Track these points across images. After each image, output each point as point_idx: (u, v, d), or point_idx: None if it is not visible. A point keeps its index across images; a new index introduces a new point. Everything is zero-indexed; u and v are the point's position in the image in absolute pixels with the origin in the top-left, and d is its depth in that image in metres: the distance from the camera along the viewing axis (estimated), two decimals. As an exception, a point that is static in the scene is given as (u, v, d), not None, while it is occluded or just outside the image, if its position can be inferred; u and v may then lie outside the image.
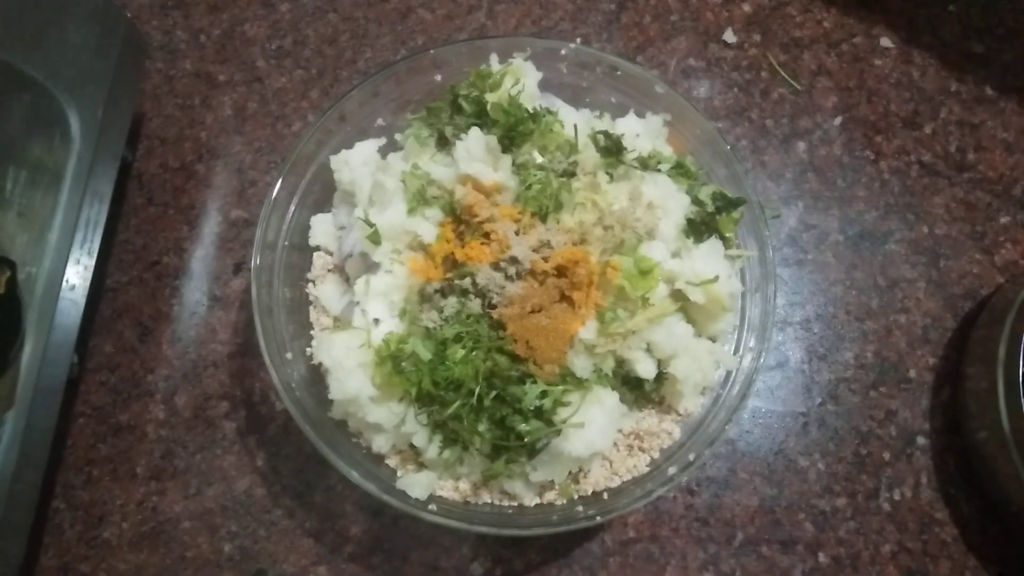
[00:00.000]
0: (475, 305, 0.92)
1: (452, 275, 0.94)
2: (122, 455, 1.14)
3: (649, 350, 0.96)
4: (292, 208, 1.08)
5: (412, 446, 0.97)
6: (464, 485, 0.98)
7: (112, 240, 1.24)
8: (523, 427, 0.88)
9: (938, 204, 1.28)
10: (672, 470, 0.96)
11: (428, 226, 0.96)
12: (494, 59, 1.07)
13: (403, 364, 0.90)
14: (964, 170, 1.30)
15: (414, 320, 0.94)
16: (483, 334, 0.91)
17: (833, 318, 1.22)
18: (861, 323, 1.21)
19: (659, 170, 1.04)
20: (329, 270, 1.10)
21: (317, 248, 1.11)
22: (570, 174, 0.99)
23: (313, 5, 1.39)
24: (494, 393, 0.89)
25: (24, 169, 1.02)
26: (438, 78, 1.12)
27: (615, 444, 1.01)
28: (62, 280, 1.02)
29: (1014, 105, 1.34)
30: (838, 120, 1.33)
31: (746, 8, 1.40)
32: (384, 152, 1.09)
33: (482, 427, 0.90)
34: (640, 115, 1.10)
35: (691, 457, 0.95)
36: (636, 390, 1.00)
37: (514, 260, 0.92)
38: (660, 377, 0.98)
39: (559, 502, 0.99)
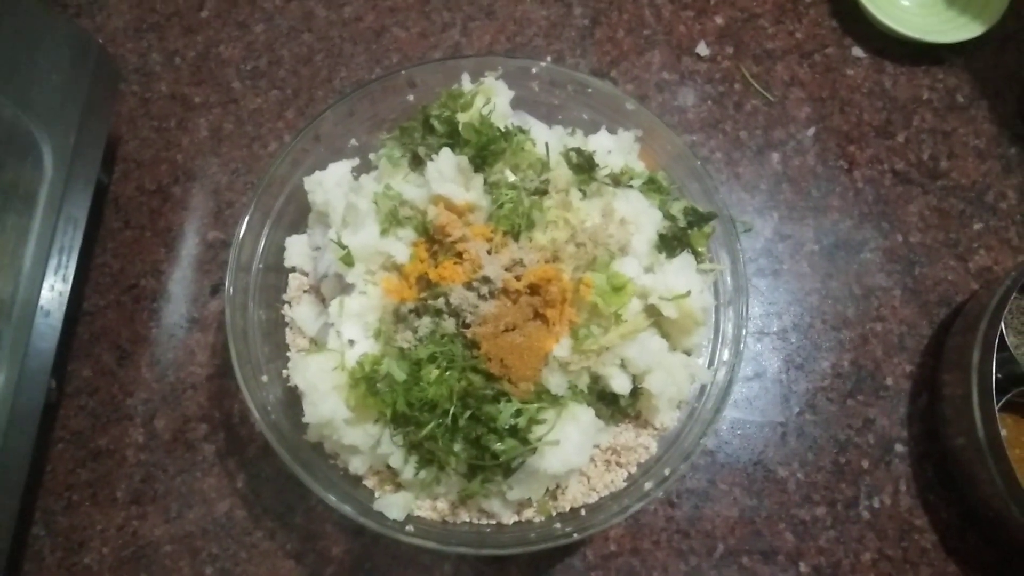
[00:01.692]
0: (449, 325, 0.92)
1: (426, 295, 0.94)
2: (102, 480, 1.14)
3: (624, 366, 0.96)
4: (267, 230, 1.08)
5: (389, 467, 0.97)
6: (442, 505, 0.98)
7: (89, 263, 1.24)
8: (498, 446, 0.89)
9: (912, 212, 1.29)
10: (649, 485, 0.96)
11: (401, 246, 0.96)
12: (466, 79, 1.08)
13: (378, 385, 0.90)
14: (937, 178, 1.31)
15: (388, 341, 0.94)
16: (457, 353, 0.91)
17: (810, 328, 1.23)
18: (837, 332, 1.22)
19: (631, 186, 1.05)
20: (305, 291, 1.10)
21: (293, 269, 1.11)
22: (542, 192, 1.00)
23: (288, 25, 1.40)
24: (469, 412, 0.89)
25: (-4, 196, 1.02)
26: (411, 98, 1.13)
27: (592, 460, 1.01)
28: (36, 306, 1.02)
29: (985, 112, 1.35)
30: (811, 130, 1.34)
31: (719, 21, 1.41)
32: (359, 172, 1.10)
33: (457, 447, 0.90)
34: (612, 132, 1.11)
35: (667, 472, 0.96)
36: (612, 405, 1.00)
37: (487, 279, 0.92)
38: (635, 392, 0.99)
39: (537, 519, 0.99)
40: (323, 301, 1.07)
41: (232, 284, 1.02)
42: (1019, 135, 1.34)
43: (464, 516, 0.99)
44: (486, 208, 0.98)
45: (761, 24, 1.41)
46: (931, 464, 1.16)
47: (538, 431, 0.90)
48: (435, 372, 0.90)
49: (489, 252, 0.95)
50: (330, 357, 0.93)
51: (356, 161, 1.11)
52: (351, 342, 0.94)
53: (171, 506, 1.12)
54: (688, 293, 0.96)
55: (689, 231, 1.03)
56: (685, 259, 1.00)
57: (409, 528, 0.94)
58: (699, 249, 1.03)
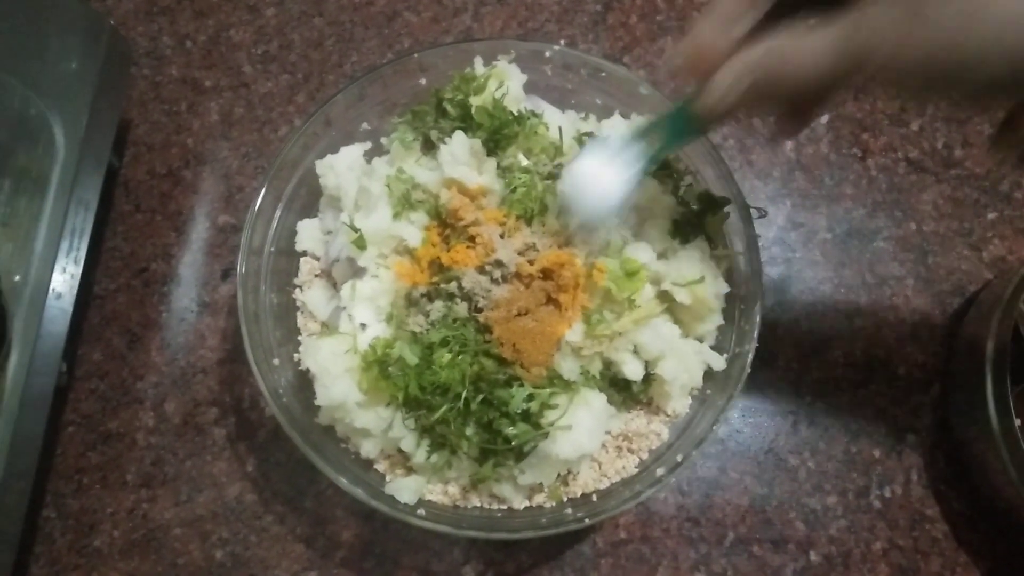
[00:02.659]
0: (461, 309, 0.92)
1: (438, 279, 0.94)
2: (112, 463, 1.14)
3: (636, 351, 0.96)
4: (278, 214, 1.08)
5: (400, 451, 0.97)
6: (453, 489, 0.98)
7: (100, 247, 1.24)
8: (510, 430, 0.88)
9: (926, 201, 1.28)
10: (660, 471, 0.96)
11: (413, 230, 0.96)
12: (478, 62, 1.07)
13: (390, 369, 0.90)
14: (951, 166, 1.30)
15: (400, 324, 0.94)
16: (469, 338, 0.91)
17: (822, 316, 1.22)
18: (850, 321, 1.22)
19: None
20: (316, 275, 1.10)
21: (304, 253, 1.11)
22: (555, 176, 0.99)
23: (299, 9, 1.39)
24: (481, 397, 0.89)
25: (8, 178, 1.02)
26: (423, 81, 1.12)
27: (604, 446, 1.01)
28: (48, 289, 1.02)
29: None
30: (825, 118, 1.33)
31: (732, 7, 1.39)
32: (370, 156, 1.09)
33: (469, 431, 0.90)
34: (625, 116, 1.10)
35: (678, 458, 0.95)
36: (624, 392, 1.00)
37: (499, 263, 0.92)
38: (647, 378, 0.98)
39: (548, 504, 0.99)
40: (335, 285, 1.07)
41: (244, 267, 1.01)
42: (1035, 124, 1.33)
43: (475, 501, 0.98)
44: (499, 192, 0.98)
45: (775, 11, 1.40)
46: (943, 454, 1.15)
47: (550, 416, 0.89)
48: (447, 356, 0.89)
49: (502, 236, 0.94)
50: (342, 340, 0.93)
51: (368, 145, 1.10)
52: (363, 326, 0.94)
53: (181, 489, 1.12)
54: (702, 279, 0.95)
55: (703, 217, 1.02)
56: (699, 245, 1.00)
57: (420, 512, 0.94)
58: (713, 235, 1.02)
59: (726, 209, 1.03)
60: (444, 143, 0.98)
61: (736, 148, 1.31)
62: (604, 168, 0.89)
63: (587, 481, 1.00)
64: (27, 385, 0.98)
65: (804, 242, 1.26)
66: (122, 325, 1.21)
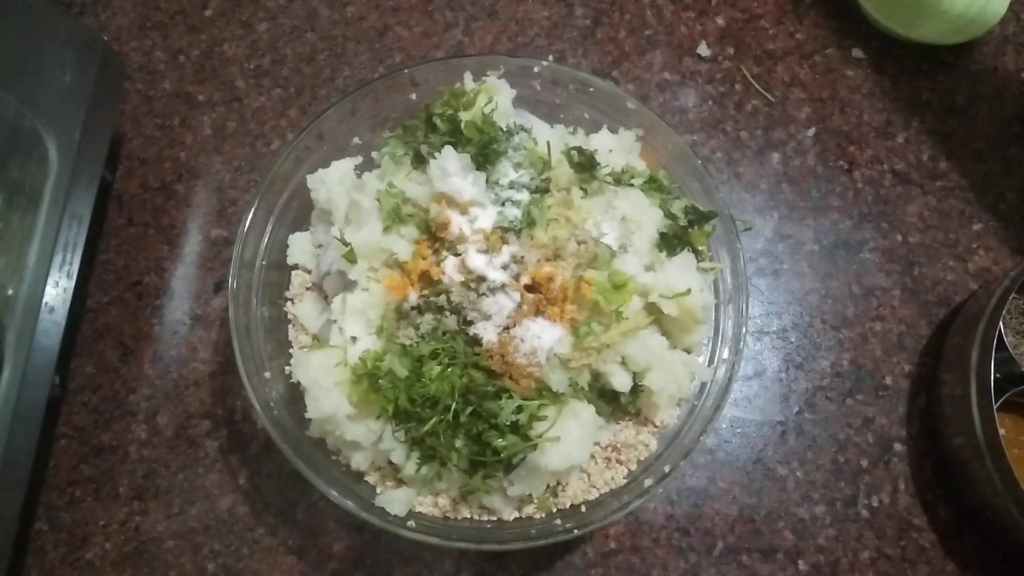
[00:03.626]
0: (451, 321, 0.93)
1: (428, 292, 0.95)
2: (105, 475, 1.14)
3: (624, 363, 0.97)
4: (270, 227, 1.09)
5: (391, 463, 0.97)
6: (443, 501, 0.99)
7: (93, 261, 1.25)
8: (499, 442, 0.89)
9: (911, 212, 1.30)
10: (648, 482, 0.97)
11: (403, 244, 0.97)
12: (468, 78, 1.08)
13: (380, 381, 0.91)
14: (937, 178, 1.32)
15: (391, 337, 0.95)
16: (459, 350, 0.92)
17: (809, 327, 1.23)
18: (837, 331, 1.23)
19: (632, 185, 1.05)
20: (307, 288, 1.11)
21: (295, 267, 1.11)
22: (544, 190, 1.00)
23: (291, 24, 1.40)
24: (470, 409, 0.90)
25: (1, 192, 1.03)
26: (414, 96, 1.13)
27: (593, 457, 1.02)
28: (41, 302, 1.03)
29: (984, 114, 1.36)
30: (812, 131, 1.34)
31: (720, 21, 1.41)
32: (362, 170, 1.10)
33: (459, 443, 0.91)
34: (613, 131, 1.11)
35: (667, 469, 0.96)
36: (612, 403, 1.01)
37: (482, 279, 0.93)
38: (636, 389, 0.99)
39: (538, 516, 0.99)
40: (325, 298, 1.08)
41: (235, 280, 1.02)
42: (1018, 136, 1.34)
43: (465, 512, 0.99)
44: (489, 206, 0.99)
45: (762, 25, 1.42)
46: (930, 463, 1.16)
47: (539, 427, 0.90)
48: (437, 368, 0.90)
49: (486, 251, 0.95)
50: (333, 353, 0.93)
51: (359, 159, 1.12)
52: (353, 339, 0.95)
53: (173, 502, 1.13)
54: (688, 291, 0.96)
55: (690, 230, 1.03)
56: (685, 257, 1.01)
57: (410, 524, 0.95)
58: (699, 248, 1.04)
59: (712, 222, 1.04)
60: (434, 157, 0.99)
61: (724, 161, 1.32)
62: None
63: (576, 492, 1.01)
64: (20, 398, 0.99)
65: (791, 253, 1.27)
66: (115, 338, 1.21)
